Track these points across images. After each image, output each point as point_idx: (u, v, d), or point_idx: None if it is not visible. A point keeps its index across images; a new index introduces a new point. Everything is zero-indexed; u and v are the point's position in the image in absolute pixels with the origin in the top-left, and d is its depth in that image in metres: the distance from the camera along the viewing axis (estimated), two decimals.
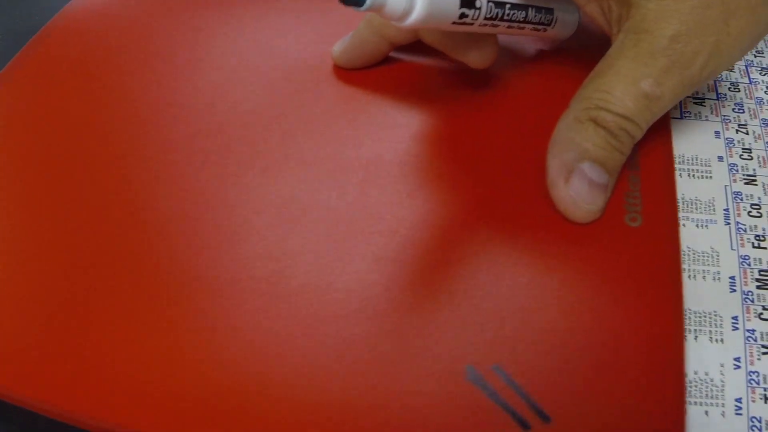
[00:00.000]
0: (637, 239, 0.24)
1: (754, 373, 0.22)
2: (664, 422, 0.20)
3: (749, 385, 0.21)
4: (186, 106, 0.30)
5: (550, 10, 0.28)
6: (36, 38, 0.33)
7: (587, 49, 0.30)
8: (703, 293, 0.23)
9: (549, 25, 0.28)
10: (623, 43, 0.25)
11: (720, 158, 0.28)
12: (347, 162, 0.27)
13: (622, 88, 0.24)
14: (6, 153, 0.29)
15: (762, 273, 0.24)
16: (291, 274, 0.24)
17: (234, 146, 0.28)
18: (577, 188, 0.24)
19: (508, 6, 0.25)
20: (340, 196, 0.26)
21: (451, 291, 0.23)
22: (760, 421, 0.21)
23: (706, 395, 0.21)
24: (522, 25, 0.27)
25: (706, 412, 0.21)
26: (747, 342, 0.22)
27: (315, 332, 0.22)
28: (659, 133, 0.28)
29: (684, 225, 0.25)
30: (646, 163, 0.27)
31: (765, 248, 0.24)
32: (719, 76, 0.31)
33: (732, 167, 0.27)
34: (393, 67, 0.32)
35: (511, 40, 0.32)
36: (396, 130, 0.29)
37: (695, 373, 0.22)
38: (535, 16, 0.27)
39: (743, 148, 0.28)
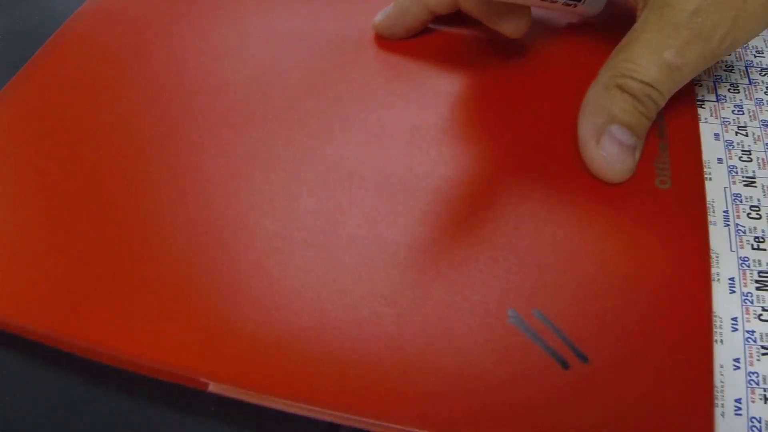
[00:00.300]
0: (667, 200, 0.26)
1: (753, 373, 0.22)
2: (694, 368, 0.22)
3: (749, 385, 0.22)
4: (230, 78, 0.31)
5: None
6: (46, 45, 0.34)
7: (614, 24, 0.31)
8: None
9: (579, 1, 0.30)
10: (647, 17, 0.26)
11: (719, 160, 0.28)
12: (392, 127, 0.29)
13: (646, 57, 0.26)
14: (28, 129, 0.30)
15: (761, 274, 0.24)
16: (341, 227, 0.25)
17: (284, 113, 0.30)
18: (608, 149, 0.26)
19: None
20: (386, 157, 0.28)
21: (493, 243, 0.25)
22: (759, 422, 0.21)
23: None
24: None
25: None
26: (746, 343, 0.22)
27: (366, 280, 0.24)
28: (686, 104, 0.30)
29: None
30: (673, 132, 0.28)
31: (764, 250, 0.25)
32: (739, 48, 0.32)
33: (731, 169, 0.27)
34: (433, 36, 0.33)
35: (544, 15, 0.34)
36: (437, 97, 0.30)
37: None
38: None
39: (743, 150, 0.28)
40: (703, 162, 0.28)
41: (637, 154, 0.27)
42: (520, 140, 0.28)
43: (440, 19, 0.33)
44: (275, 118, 0.29)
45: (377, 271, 0.24)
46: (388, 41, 0.33)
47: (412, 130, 0.29)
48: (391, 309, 0.23)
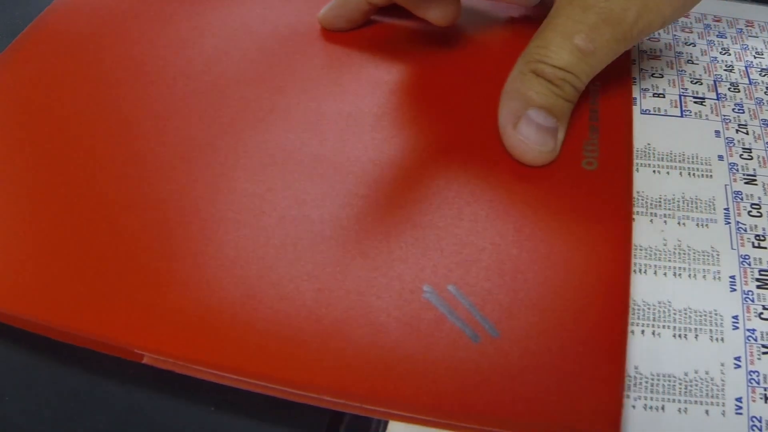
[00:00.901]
0: (592, 181, 0.27)
1: (754, 372, 0.22)
2: (605, 345, 0.22)
3: (749, 384, 0.22)
4: (185, 67, 0.33)
5: None
6: (36, 20, 0.35)
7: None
8: (703, 292, 0.24)
9: None
10: (560, 2, 0.27)
11: (720, 157, 0.28)
12: (329, 114, 0.30)
13: (558, 42, 0.27)
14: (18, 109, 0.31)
15: (762, 273, 0.24)
16: (272, 208, 0.27)
17: (228, 101, 0.31)
18: (526, 132, 0.27)
19: None
20: (321, 142, 0.29)
21: (414, 223, 0.26)
22: (760, 421, 0.21)
23: (707, 394, 0.21)
24: None
25: (707, 412, 0.21)
26: (747, 341, 0.22)
27: (291, 258, 0.25)
28: (620, 87, 0.30)
29: (684, 224, 0.25)
30: (605, 116, 0.29)
31: (765, 248, 0.24)
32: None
33: (732, 167, 0.27)
34: (375, 28, 0.35)
35: (483, 5, 0.35)
36: (374, 86, 0.32)
37: (695, 372, 0.22)
38: None
39: (743, 148, 0.28)
40: (633, 146, 0.28)
41: (560, 136, 0.27)
42: (450, 127, 0.29)
43: (384, 11, 0.34)
44: (222, 107, 0.31)
45: (302, 249, 0.25)
46: (332, 34, 0.34)
47: (347, 118, 0.30)
48: (312, 284, 0.24)
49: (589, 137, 0.28)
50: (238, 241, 0.26)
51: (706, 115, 0.29)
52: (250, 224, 0.26)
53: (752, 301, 0.23)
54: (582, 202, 0.26)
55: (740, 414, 0.21)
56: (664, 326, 0.23)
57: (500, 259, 0.24)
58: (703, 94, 0.30)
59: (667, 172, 0.27)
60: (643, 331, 0.23)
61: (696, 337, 0.23)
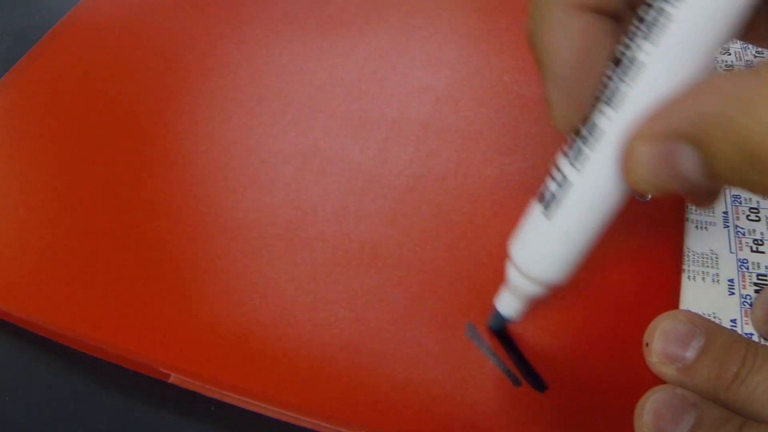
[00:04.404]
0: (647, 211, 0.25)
1: None
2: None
3: None
4: (221, 61, 0.31)
5: None
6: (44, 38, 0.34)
7: None
8: (702, 294, 0.24)
9: None
10: None
11: None
12: (372, 119, 0.29)
13: None
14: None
15: (760, 277, 0.24)
16: (310, 222, 0.25)
17: (266, 99, 0.30)
18: None
19: None
20: (363, 151, 0.27)
21: (459, 252, 0.24)
22: None
23: None
24: None
25: None
26: None
27: (328, 279, 0.24)
28: None
29: (684, 226, 0.25)
30: None
31: (763, 252, 0.24)
32: None
33: None
34: (424, 31, 0.33)
35: None
36: (422, 92, 0.30)
37: None
38: None
39: None
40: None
41: None
42: (503, 143, 0.28)
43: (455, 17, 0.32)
44: (260, 106, 0.29)
45: (340, 272, 0.24)
46: (378, 30, 0.32)
47: (391, 125, 0.28)
48: (350, 312, 0.23)
49: None
50: (274, 259, 0.24)
51: None
52: (287, 240, 0.25)
53: (750, 305, 0.23)
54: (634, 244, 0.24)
55: None
56: None
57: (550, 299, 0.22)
58: None
59: None
60: None
61: None
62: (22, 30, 0.34)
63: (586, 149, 0.18)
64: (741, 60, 0.32)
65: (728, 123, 0.15)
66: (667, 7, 0.16)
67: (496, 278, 0.23)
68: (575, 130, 0.18)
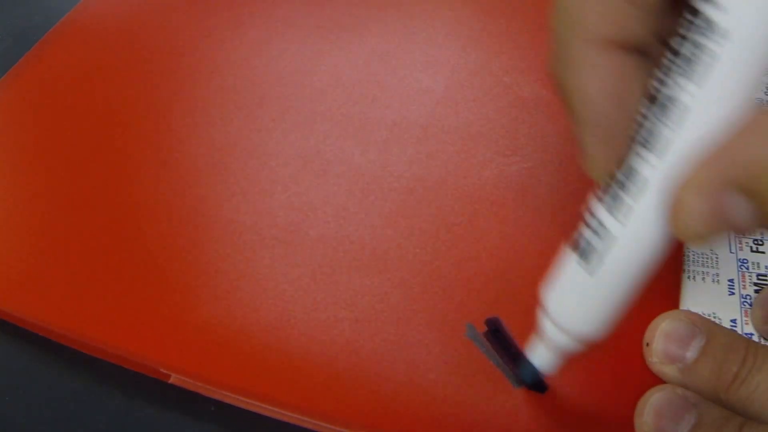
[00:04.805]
0: None
1: None
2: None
3: None
4: (222, 62, 0.31)
5: None
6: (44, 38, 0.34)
7: None
8: (702, 294, 0.24)
9: None
10: None
11: None
12: (373, 121, 0.29)
13: None
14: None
15: (760, 277, 0.24)
16: (311, 224, 0.25)
17: (267, 101, 0.29)
18: None
19: None
20: (363, 153, 0.27)
21: (460, 252, 0.24)
22: None
23: None
24: None
25: None
26: None
27: (329, 280, 0.24)
28: None
29: None
30: None
31: (763, 252, 0.24)
32: None
33: None
34: (424, 34, 0.33)
35: None
36: (422, 94, 0.30)
37: None
38: None
39: None
40: None
41: None
42: (503, 145, 0.27)
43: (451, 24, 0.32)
44: (260, 108, 0.29)
45: (341, 273, 0.24)
46: (380, 31, 0.32)
47: (392, 127, 0.28)
48: (350, 313, 0.23)
49: None
50: (275, 259, 0.24)
51: None
52: (287, 242, 0.25)
53: (750, 305, 0.23)
54: None
55: None
56: None
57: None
58: None
59: None
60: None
61: None
62: (22, 30, 0.34)
63: (627, 198, 0.16)
64: None
65: None
66: (710, 44, 0.15)
67: (497, 279, 0.23)
68: (610, 173, 0.17)
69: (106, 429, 0.22)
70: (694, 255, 0.25)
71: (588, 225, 0.18)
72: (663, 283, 0.24)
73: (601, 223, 0.17)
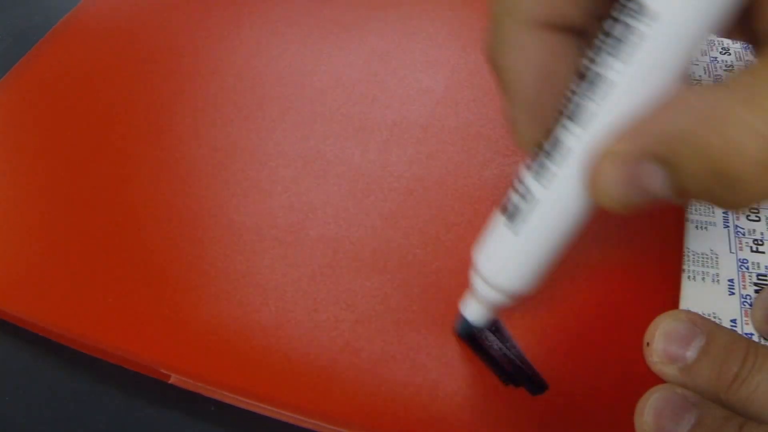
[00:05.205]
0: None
1: None
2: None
3: None
4: (222, 62, 0.31)
5: None
6: (40, 42, 0.34)
7: None
8: (702, 294, 0.24)
9: None
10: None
11: None
12: (373, 121, 0.29)
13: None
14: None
15: (760, 277, 0.24)
16: (310, 225, 0.25)
17: (267, 101, 0.30)
18: None
19: None
20: (363, 153, 0.28)
21: (460, 252, 0.24)
22: None
23: None
24: None
25: None
26: None
27: (329, 280, 0.24)
28: None
29: (683, 226, 0.25)
30: None
31: (763, 252, 0.24)
32: (720, 77, 0.31)
33: None
34: (424, 33, 0.33)
35: None
36: (422, 94, 0.30)
37: None
38: None
39: None
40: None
41: None
42: (504, 144, 0.28)
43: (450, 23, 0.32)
44: (260, 109, 0.29)
45: (341, 274, 0.24)
46: (378, 32, 0.33)
47: (392, 127, 0.28)
48: (350, 314, 0.23)
49: None
50: (275, 261, 0.24)
51: None
52: (287, 242, 0.25)
53: (750, 305, 0.23)
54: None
55: None
56: None
57: (553, 299, 0.23)
58: None
59: None
60: None
61: None
62: (22, 30, 0.34)
63: (551, 165, 0.17)
64: (741, 60, 0.32)
65: (696, 141, 0.15)
66: (639, 26, 0.15)
67: None
68: (538, 144, 0.18)
69: (106, 429, 0.22)
70: (694, 255, 0.25)
71: (516, 190, 0.19)
72: (663, 283, 0.24)
73: (527, 188, 0.18)
